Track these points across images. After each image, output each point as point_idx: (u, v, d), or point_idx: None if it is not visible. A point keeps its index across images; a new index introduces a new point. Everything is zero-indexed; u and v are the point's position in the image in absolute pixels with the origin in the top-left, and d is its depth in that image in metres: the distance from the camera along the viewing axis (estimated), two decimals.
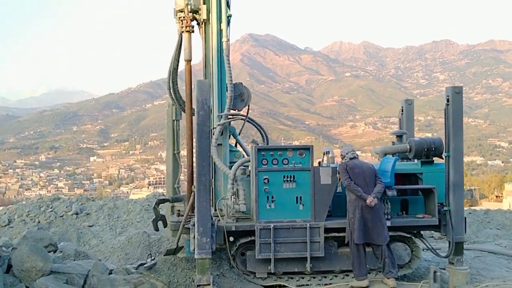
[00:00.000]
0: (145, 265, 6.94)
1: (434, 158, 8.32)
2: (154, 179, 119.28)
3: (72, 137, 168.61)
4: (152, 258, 7.21)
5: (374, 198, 7.07)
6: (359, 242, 7.14)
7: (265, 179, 7.50)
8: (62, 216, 14.34)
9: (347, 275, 7.69)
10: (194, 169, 7.06)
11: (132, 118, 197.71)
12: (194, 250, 6.92)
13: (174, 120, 9.60)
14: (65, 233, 13.43)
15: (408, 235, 7.78)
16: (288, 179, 7.53)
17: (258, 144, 7.83)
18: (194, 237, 6.97)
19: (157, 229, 8.65)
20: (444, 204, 7.75)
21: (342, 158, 7.53)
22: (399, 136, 9.03)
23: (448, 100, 7.67)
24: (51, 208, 14.81)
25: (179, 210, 8.57)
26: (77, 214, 14.58)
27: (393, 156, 8.36)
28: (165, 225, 8.86)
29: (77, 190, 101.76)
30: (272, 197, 7.52)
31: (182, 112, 9.51)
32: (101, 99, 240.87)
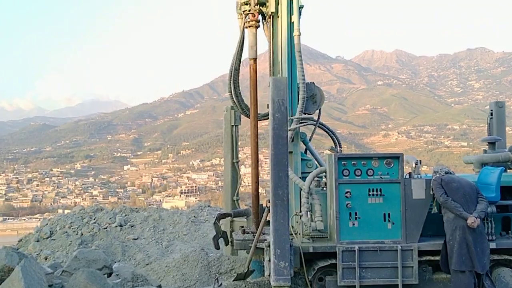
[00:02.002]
0: None
1: None
2: (186, 187, 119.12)
3: (107, 146, 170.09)
4: (219, 284, 6.24)
5: (476, 218, 5.98)
6: (460, 268, 6.01)
7: (347, 192, 6.47)
8: (105, 228, 13.58)
9: None
10: (268, 181, 6.08)
11: (164, 127, 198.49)
12: (269, 275, 5.95)
13: (233, 126, 8.71)
14: (110, 247, 12.64)
15: None
16: (374, 192, 6.49)
17: (338, 152, 6.79)
18: (269, 260, 5.99)
19: (218, 247, 7.71)
20: None
21: (433, 174, 6.50)
22: (492, 143, 7.89)
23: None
24: (94, 219, 14.08)
25: (243, 227, 7.60)
26: (121, 226, 13.80)
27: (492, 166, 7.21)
28: (226, 243, 7.89)
29: (111, 198, 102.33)
30: (356, 213, 6.49)
31: (242, 117, 8.60)
32: (135, 108, 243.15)
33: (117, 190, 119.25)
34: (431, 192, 6.40)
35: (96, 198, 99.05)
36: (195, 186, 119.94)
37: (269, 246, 6.01)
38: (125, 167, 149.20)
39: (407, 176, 6.61)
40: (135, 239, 13.37)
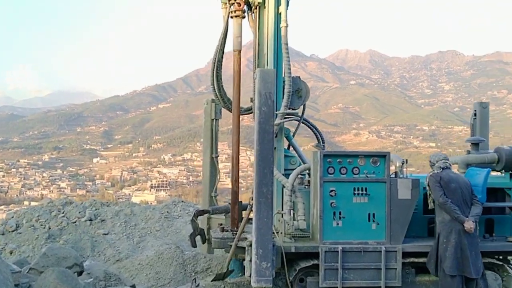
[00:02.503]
0: None
1: None
2: (156, 182, 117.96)
3: (76, 138, 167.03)
4: (197, 284, 5.95)
5: (473, 222, 5.84)
6: (453, 273, 5.85)
7: (331, 191, 6.25)
8: (74, 222, 13.07)
9: None
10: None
11: (136, 121, 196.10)
12: (250, 276, 5.70)
13: (213, 119, 8.42)
14: (79, 242, 12.18)
15: (500, 262, 6.52)
16: (360, 192, 6.28)
17: (323, 149, 6.57)
18: (250, 260, 5.74)
19: (195, 245, 7.42)
20: None
21: (431, 167, 6.24)
22: (475, 144, 7.78)
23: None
24: (62, 213, 13.55)
25: (221, 224, 7.32)
26: (91, 220, 13.30)
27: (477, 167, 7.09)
28: (203, 241, 7.62)
29: (79, 191, 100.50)
30: (340, 213, 6.28)
31: (223, 111, 8.31)
32: (106, 101, 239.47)
33: (86, 183, 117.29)
34: (427, 188, 6.20)
35: (63, 191, 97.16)
36: (166, 181, 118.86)
37: (250, 245, 5.75)
38: (95, 160, 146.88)
39: (393, 176, 6.43)
40: (105, 234, 12.92)
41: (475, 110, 8.36)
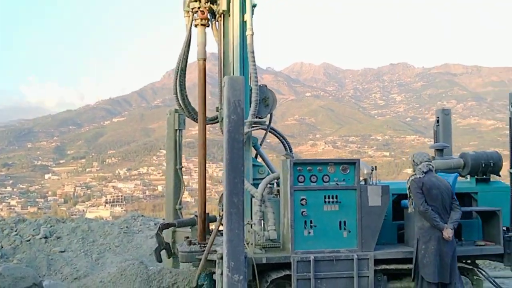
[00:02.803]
0: None
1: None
2: (111, 197, 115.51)
3: (26, 154, 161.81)
4: None
5: (452, 229, 5.82)
6: (433, 280, 5.79)
7: (302, 199, 6.15)
8: (28, 241, 12.45)
9: None
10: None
11: (89, 135, 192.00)
12: None
13: (176, 130, 8.19)
14: (33, 260, 11.58)
15: (469, 267, 6.56)
16: (330, 199, 6.20)
17: (293, 157, 6.46)
18: (221, 274, 5.54)
19: (160, 260, 7.14)
20: (509, 229, 6.61)
21: (413, 167, 6.16)
22: (440, 150, 7.87)
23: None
24: (15, 231, 12.89)
25: (188, 237, 7.08)
26: (46, 237, 12.70)
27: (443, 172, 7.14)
28: (169, 255, 7.34)
29: (30, 208, 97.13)
30: (311, 221, 6.17)
31: (185, 121, 8.11)
32: (58, 115, 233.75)
33: (37, 199, 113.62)
34: (407, 191, 6.07)
35: (14, 208, 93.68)
36: (121, 196, 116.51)
37: (221, 258, 5.55)
38: (46, 176, 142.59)
39: (363, 183, 6.38)
40: (61, 251, 12.37)
41: (438, 117, 8.48)
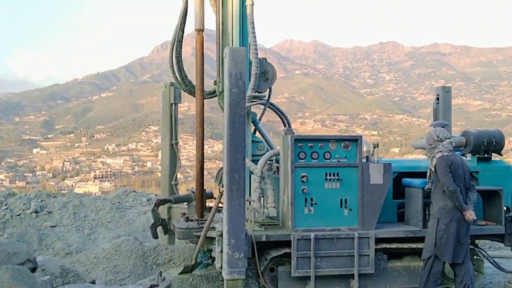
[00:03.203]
0: None
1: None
2: (100, 172, 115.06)
3: (14, 128, 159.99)
4: (163, 278, 5.55)
5: (473, 211, 5.68)
6: (449, 261, 5.67)
7: (303, 177, 6.00)
8: (19, 215, 12.28)
9: None
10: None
11: (77, 110, 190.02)
12: (221, 267, 5.39)
13: (172, 104, 7.98)
14: (24, 235, 11.42)
15: (471, 246, 6.48)
16: (332, 177, 6.06)
17: (294, 133, 6.30)
18: (221, 251, 5.41)
19: (156, 237, 7.01)
20: (509, 208, 6.54)
21: (434, 143, 5.82)
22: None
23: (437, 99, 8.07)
24: (5, 205, 12.70)
25: (185, 214, 6.94)
26: (36, 212, 12.54)
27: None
28: (165, 232, 7.20)
29: (19, 183, 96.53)
30: (312, 199, 6.04)
31: (181, 95, 7.90)
32: (45, 89, 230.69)
33: (26, 174, 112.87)
34: (432, 169, 5.77)
35: (2, 183, 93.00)
36: (110, 171, 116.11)
37: (221, 235, 5.42)
38: (34, 151, 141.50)
39: (365, 160, 6.25)
40: (53, 226, 12.22)
41: (438, 95, 8.32)
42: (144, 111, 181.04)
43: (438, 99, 8.31)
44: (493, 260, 6.69)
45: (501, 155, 7.03)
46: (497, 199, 6.50)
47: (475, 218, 5.69)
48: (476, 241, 6.82)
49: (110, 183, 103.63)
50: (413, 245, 6.27)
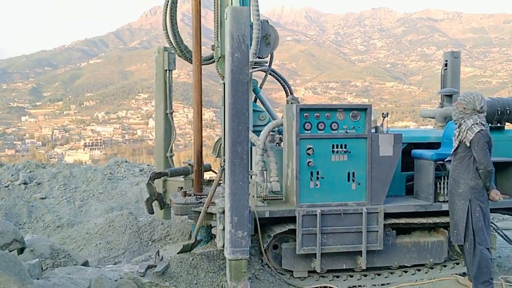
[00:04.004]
0: (156, 270, 4.93)
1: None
2: (90, 140, 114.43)
3: (2, 96, 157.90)
4: (160, 257, 5.20)
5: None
6: (488, 246, 5.17)
7: (309, 149, 5.61)
8: (7, 187, 11.85)
9: (406, 272, 6.05)
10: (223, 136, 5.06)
11: (66, 77, 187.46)
12: (223, 246, 5.05)
13: (166, 70, 7.50)
14: (13, 207, 11.01)
15: None
16: (339, 149, 5.68)
17: (299, 102, 5.88)
18: (223, 229, 5.06)
19: (152, 212, 6.64)
20: None
21: (472, 112, 5.12)
22: (449, 96, 7.36)
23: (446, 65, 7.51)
24: None
25: (182, 188, 6.56)
26: (25, 183, 12.12)
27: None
28: (161, 206, 6.84)
29: (8, 151, 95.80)
30: (318, 173, 5.67)
31: (176, 61, 7.42)
32: (32, 56, 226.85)
33: (15, 142, 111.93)
34: (465, 142, 5.07)
35: None
36: (100, 139, 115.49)
37: (223, 212, 5.05)
38: (23, 118, 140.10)
39: (374, 131, 5.86)
40: (42, 198, 11.82)
41: (446, 60, 7.89)
42: (133, 78, 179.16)
43: (446, 65, 7.88)
44: (505, 234, 6.41)
45: None
46: (509, 170, 6.17)
47: (501, 198, 5.32)
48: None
49: (101, 151, 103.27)
50: (423, 220, 5.95)
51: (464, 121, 5.11)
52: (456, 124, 5.25)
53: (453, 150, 5.29)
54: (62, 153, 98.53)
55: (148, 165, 15.33)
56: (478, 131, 4.98)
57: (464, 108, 5.14)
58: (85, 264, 5.11)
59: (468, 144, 5.04)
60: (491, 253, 5.17)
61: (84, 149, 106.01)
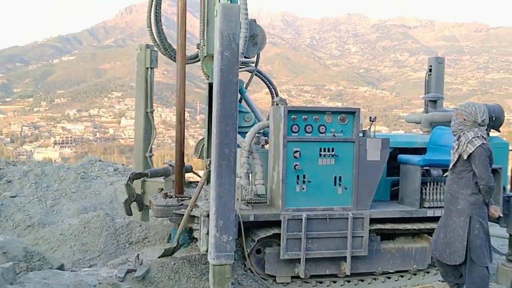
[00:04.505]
0: (136, 274, 4.72)
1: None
2: (60, 138, 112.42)
3: None
4: (140, 261, 5.00)
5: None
6: (487, 264, 4.84)
7: (296, 152, 5.49)
8: None
9: (389, 278, 5.99)
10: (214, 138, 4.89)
11: (37, 73, 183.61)
12: (206, 251, 4.88)
13: (148, 68, 7.29)
14: None
15: None
16: (326, 152, 5.57)
17: (287, 104, 5.75)
18: (207, 233, 4.89)
19: (130, 213, 6.43)
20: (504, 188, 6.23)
21: (473, 124, 4.78)
22: (433, 102, 7.34)
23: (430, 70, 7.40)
24: None
25: (162, 189, 6.37)
26: None
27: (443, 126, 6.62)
28: (140, 208, 6.62)
29: None
30: (304, 176, 5.55)
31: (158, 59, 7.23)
32: (3, 51, 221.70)
33: None
34: (463, 156, 4.72)
35: None
36: (71, 137, 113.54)
37: (207, 215, 4.89)
38: None
39: (361, 135, 5.78)
40: (12, 196, 11.40)
41: (430, 66, 7.89)
42: (106, 76, 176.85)
43: (430, 70, 7.88)
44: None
45: (499, 131, 6.68)
46: (496, 178, 6.12)
47: (501, 214, 5.12)
48: None
49: (71, 150, 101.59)
50: (408, 226, 5.91)
51: (464, 133, 4.77)
52: (454, 135, 4.91)
53: (452, 164, 4.92)
54: (31, 151, 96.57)
55: (123, 165, 15.02)
56: (480, 145, 4.65)
57: (465, 120, 4.78)
58: (61, 267, 4.88)
59: (465, 157, 4.72)
60: (489, 272, 4.91)
61: (54, 146, 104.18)
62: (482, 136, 4.71)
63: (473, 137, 4.68)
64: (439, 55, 8.01)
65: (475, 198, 4.74)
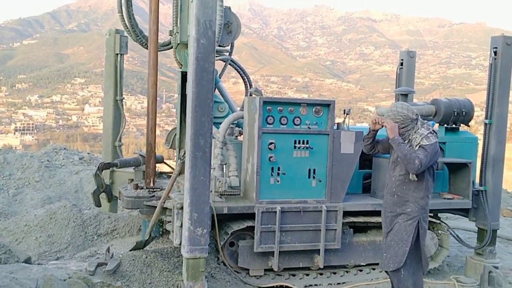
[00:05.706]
0: (107, 268, 4.57)
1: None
2: (21, 124, 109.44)
3: None
4: (111, 255, 4.84)
5: None
6: (427, 268, 4.85)
7: (270, 143, 5.42)
8: None
9: (361, 271, 6.02)
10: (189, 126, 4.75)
11: None
12: (180, 244, 4.77)
13: (117, 54, 7.08)
14: None
15: (437, 221, 6.24)
16: (301, 145, 5.52)
17: (262, 95, 5.66)
18: (180, 226, 4.78)
19: (99, 205, 6.24)
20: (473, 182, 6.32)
21: (412, 123, 4.63)
22: (404, 95, 7.37)
23: (496, 53, 6.07)
24: None
25: (132, 180, 6.20)
26: None
27: None
28: (109, 199, 6.44)
29: None
30: (278, 168, 5.49)
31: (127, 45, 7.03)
32: None
33: None
34: (423, 158, 4.41)
35: None
36: (32, 124, 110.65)
37: (181, 208, 4.77)
38: None
39: (336, 128, 5.74)
40: None
41: (402, 59, 7.91)
42: (69, 61, 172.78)
43: (402, 64, 7.91)
44: (457, 235, 6.49)
45: (469, 126, 6.78)
46: (465, 172, 6.24)
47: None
48: (439, 215, 6.58)
49: (32, 137, 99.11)
50: (380, 219, 5.90)
51: (416, 132, 4.58)
52: (404, 139, 4.63)
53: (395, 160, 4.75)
54: None
55: (89, 153, 14.67)
56: (434, 143, 4.48)
57: (405, 126, 4.61)
58: (28, 260, 4.70)
59: (416, 147, 4.51)
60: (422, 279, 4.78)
61: (14, 133, 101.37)
62: (435, 134, 4.57)
63: (429, 133, 4.53)
64: (403, 49, 8.01)
65: (425, 202, 4.59)
